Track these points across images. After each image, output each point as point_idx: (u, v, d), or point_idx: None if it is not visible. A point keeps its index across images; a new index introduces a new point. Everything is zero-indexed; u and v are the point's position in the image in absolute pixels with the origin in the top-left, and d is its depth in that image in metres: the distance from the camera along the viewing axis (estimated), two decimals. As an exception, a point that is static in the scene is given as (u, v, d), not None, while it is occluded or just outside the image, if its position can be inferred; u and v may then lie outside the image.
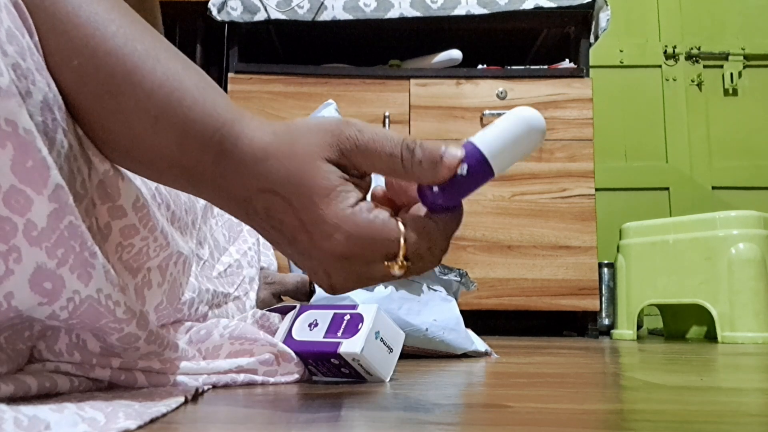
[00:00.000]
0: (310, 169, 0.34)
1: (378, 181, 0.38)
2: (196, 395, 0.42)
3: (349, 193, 0.34)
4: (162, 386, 0.43)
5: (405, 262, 0.34)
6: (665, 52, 2.40)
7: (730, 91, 2.38)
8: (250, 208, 0.35)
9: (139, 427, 0.30)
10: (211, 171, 0.36)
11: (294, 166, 0.34)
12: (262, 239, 0.83)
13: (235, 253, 0.71)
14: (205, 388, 0.45)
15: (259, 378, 0.49)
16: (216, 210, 0.70)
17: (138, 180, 0.43)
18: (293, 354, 0.52)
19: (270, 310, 0.60)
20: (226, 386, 0.47)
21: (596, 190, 1.72)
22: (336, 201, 0.34)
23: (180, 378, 0.44)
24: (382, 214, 0.34)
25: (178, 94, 0.35)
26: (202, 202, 0.61)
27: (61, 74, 0.35)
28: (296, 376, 0.52)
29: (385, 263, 0.34)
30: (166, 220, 0.48)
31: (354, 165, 0.35)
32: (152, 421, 0.32)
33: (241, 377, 0.48)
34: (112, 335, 0.38)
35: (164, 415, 0.34)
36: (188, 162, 0.36)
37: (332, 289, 0.36)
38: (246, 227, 0.73)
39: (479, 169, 0.35)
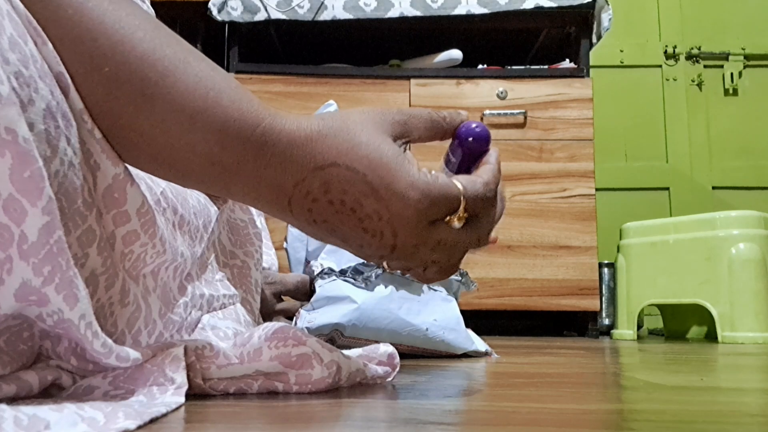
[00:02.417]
0: (373, 140, 0.37)
1: None
2: (198, 395, 0.42)
3: (411, 160, 0.38)
4: (162, 385, 0.42)
5: (464, 214, 0.39)
6: (665, 52, 2.40)
7: (731, 91, 2.38)
8: (299, 192, 0.37)
9: (139, 427, 0.30)
10: (251, 165, 0.36)
11: (355, 139, 0.37)
12: (264, 242, 0.83)
13: (242, 255, 0.71)
14: (214, 392, 0.43)
15: (280, 386, 0.45)
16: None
17: (143, 185, 0.43)
18: (326, 352, 0.46)
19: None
20: (241, 392, 0.44)
21: (596, 190, 1.72)
22: (405, 164, 0.37)
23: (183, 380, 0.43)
24: (441, 176, 0.39)
25: (214, 93, 0.36)
26: (215, 207, 0.61)
27: (90, 81, 0.35)
28: (327, 380, 0.45)
29: (447, 219, 0.39)
30: (172, 224, 0.48)
31: (406, 132, 0.40)
32: (152, 421, 0.32)
33: (258, 383, 0.44)
34: (94, 358, 0.37)
35: (164, 415, 0.34)
36: (227, 158, 0.36)
37: (393, 251, 0.38)
38: (252, 230, 0.73)
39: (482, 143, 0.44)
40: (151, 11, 0.65)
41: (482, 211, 0.40)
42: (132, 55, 0.35)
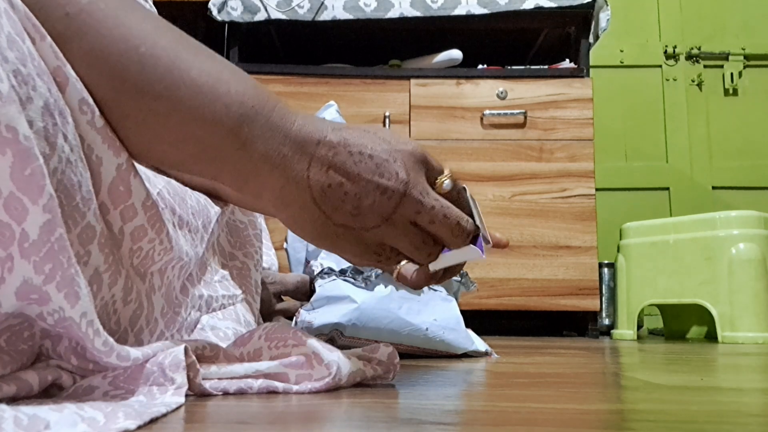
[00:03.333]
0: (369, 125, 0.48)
1: None
2: (198, 395, 0.42)
3: None
4: (162, 385, 0.42)
5: (451, 174, 0.45)
6: (665, 52, 2.40)
7: (731, 91, 2.38)
8: (322, 148, 0.41)
9: (139, 427, 0.30)
10: (280, 129, 0.40)
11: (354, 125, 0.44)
12: (264, 242, 0.83)
13: (242, 257, 0.71)
14: (214, 392, 0.43)
15: (280, 386, 0.45)
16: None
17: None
18: (326, 352, 0.46)
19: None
20: (241, 392, 0.44)
21: (596, 190, 1.72)
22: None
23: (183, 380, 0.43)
24: None
25: (239, 75, 0.40)
26: (215, 208, 0.61)
27: (126, 60, 0.37)
28: (327, 380, 0.45)
29: (438, 179, 0.44)
30: (172, 224, 0.48)
31: None
32: (152, 421, 0.32)
33: (258, 383, 0.44)
34: (95, 356, 0.37)
35: (164, 415, 0.34)
36: (255, 126, 0.40)
37: (404, 196, 0.42)
38: (252, 232, 0.73)
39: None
40: (154, 11, 0.66)
41: (460, 190, 0.46)
42: (164, 37, 0.39)
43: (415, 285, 0.52)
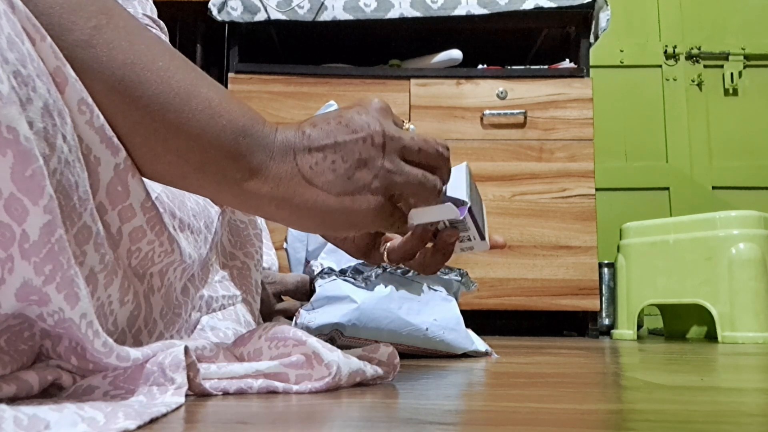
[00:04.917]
0: None
1: None
2: (198, 395, 0.42)
3: None
4: (162, 385, 0.42)
5: (409, 123, 0.49)
6: (665, 52, 2.40)
7: (731, 91, 2.38)
8: (298, 136, 0.43)
9: (139, 427, 0.30)
10: (267, 142, 0.42)
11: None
12: (264, 242, 0.83)
13: (242, 257, 0.71)
14: (214, 392, 0.43)
15: (280, 385, 0.44)
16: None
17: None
18: (326, 352, 0.46)
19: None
20: (241, 392, 0.44)
21: (596, 190, 1.72)
22: None
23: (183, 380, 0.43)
24: None
25: (234, 98, 0.43)
26: (215, 208, 0.61)
27: (147, 72, 0.39)
28: (327, 380, 0.45)
29: (403, 126, 0.48)
30: (172, 227, 0.48)
31: None
32: (152, 421, 0.32)
33: (258, 383, 0.44)
34: (94, 357, 0.37)
35: (164, 415, 0.34)
36: (249, 140, 0.42)
37: (384, 141, 0.44)
38: (252, 231, 0.73)
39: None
40: (155, 10, 0.66)
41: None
42: (173, 62, 0.40)
43: (405, 252, 0.51)
